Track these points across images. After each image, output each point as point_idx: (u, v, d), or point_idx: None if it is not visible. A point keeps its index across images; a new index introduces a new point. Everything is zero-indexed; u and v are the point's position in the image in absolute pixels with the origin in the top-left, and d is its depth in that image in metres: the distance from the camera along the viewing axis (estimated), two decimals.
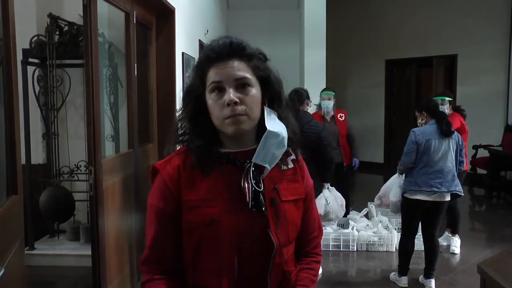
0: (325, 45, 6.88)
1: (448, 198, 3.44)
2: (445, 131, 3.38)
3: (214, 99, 1.11)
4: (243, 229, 1.12)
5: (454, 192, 3.42)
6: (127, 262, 3.13)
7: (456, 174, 3.46)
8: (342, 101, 7.65)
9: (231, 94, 1.09)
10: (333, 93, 4.81)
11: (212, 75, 1.12)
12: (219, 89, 1.11)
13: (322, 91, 4.88)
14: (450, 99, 4.44)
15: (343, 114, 4.94)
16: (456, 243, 4.45)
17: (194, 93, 1.16)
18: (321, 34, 6.86)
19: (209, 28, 6.24)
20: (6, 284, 1.49)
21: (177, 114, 1.22)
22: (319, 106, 4.91)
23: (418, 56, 8.49)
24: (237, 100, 1.09)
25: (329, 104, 4.75)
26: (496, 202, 6.53)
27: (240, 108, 1.09)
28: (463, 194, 3.53)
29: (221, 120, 1.11)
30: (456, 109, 4.58)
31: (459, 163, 3.52)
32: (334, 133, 4.74)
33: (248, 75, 1.12)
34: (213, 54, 1.12)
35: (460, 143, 3.50)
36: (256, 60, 1.15)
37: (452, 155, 3.41)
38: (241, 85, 1.11)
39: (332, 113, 4.84)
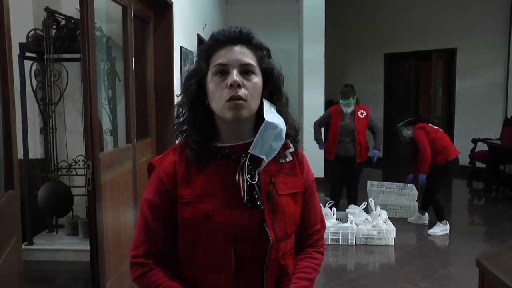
0: (324, 39, 6.87)
1: None
2: None
3: (217, 82, 1.10)
4: (238, 224, 1.10)
5: None
6: (125, 257, 3.13)
7: None
8: None
9: (235, 75, 1.08)
10: (352, 102, 4.79)
11: (218, 58, 1.11)
12: (223, 72, 1.10)
13: (341, 97, 4.82)
14: None
15: (364, 112, 4.89)
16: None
17: (198, 77, 1.15)
18: (320, 28, 6.85)
19: (208, 22, 6.22)
20: (3, 279, 1.49)
21: (177, 100, 1.20)
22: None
23: (417, 50, 8.46)
24: (240, 82, 1.08)
25: (349, 109, 4.83)
26: (495, 196, 6.53)
27: (242, 91, 1.08)
28: None
29: (222, 103, 1.09)
30: None
31: None
32: (349, 129, 4.84)
33: (254, 63, 1.12)
34: (222, 37, 1.12)
35: None
36: (262, 52, 1.16)
37: None
38: (245, 71, 1.10)
39: (350, 111, 4.85)
